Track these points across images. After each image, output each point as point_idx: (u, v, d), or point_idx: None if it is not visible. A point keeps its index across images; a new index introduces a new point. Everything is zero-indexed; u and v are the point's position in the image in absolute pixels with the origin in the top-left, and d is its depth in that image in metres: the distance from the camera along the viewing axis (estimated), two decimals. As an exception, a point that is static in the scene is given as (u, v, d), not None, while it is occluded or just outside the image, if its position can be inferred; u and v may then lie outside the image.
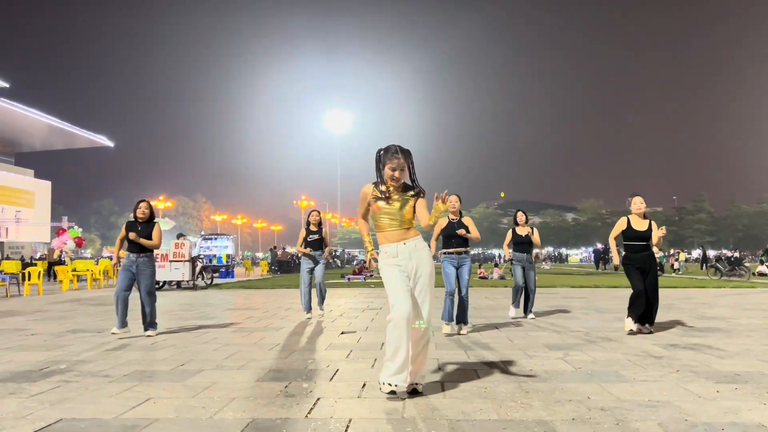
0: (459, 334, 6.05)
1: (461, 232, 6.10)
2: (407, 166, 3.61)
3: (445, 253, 6.26)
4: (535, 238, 7.61)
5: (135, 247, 6.21)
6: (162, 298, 11.79)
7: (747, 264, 21.17)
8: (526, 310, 7.65)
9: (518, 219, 7.80)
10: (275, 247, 37.55)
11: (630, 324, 6.03)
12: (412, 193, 3.67)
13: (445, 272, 6.19)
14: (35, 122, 42.46)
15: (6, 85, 39.47)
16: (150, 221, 6.37)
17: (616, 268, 6.43)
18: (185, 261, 14.87)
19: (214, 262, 21.53)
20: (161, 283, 14.97)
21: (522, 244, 7.62)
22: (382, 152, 3.63)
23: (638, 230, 6.10)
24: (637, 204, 6.23)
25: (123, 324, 6.16)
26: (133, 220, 6.32)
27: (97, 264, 21.11)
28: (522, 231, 7.69)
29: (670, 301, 10.03)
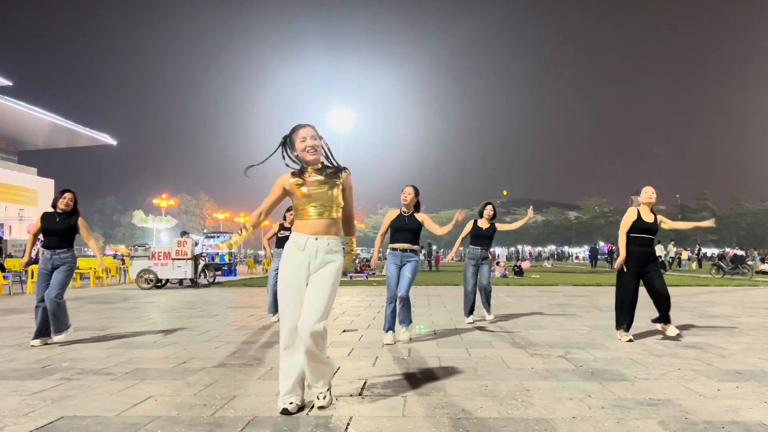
0: (398, 341, 5.43)
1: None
2: (320, 140, 3.18)
3: (390, 249, 5.57)
4: (503, 227, 7.11)
5: (52, 242, 5.48)
6: (164, 296, 11.81)
7: (750, 262, 21.12)
8: (488, 309, 6.98)
9: (485, 212, 7.02)
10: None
11: (624, 336, 5.50)
12: (333, 172, 3.21)
13: (387, 274, 5.55)
14: (38, 120, 42.56)
15: (9, 83, 39.54)
16: (72, 214, 5.64)
17: (622, 265, 5.60)
18: (188, 259, 14.90)
19: (217, 260, 21.54)
20: (163, 281, 15.02)
21: (480, 238, 6.89)
22: (286, 135, 3.23)
23: (647, 222, 5.63)
24: (648, 193, 5.73)
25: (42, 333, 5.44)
26: (51, 211, 5.59)
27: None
28: (484, 225, 6.96)
29: (672, 299, 9.99)
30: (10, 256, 25.39)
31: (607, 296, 10.87)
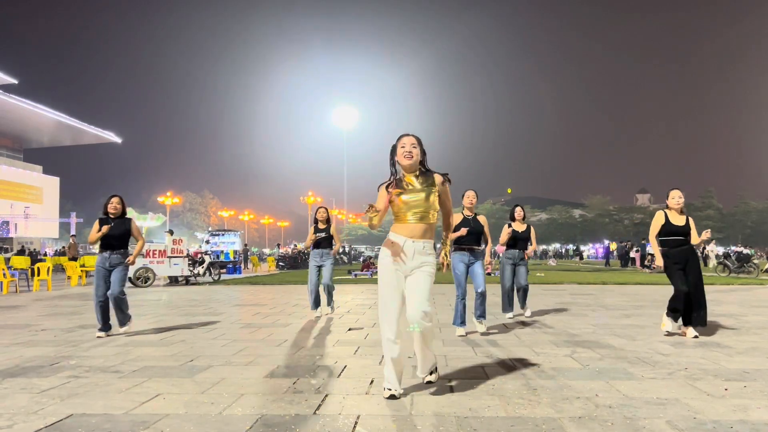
0: (477, 332, 5.94)
1: (462, 232, 5.69)
2: (420, 148, 3.52)
3: (457, 248, 5.91)
4: (533, 237, 7.39)
5: (109, 244, 5.96)
6: (168, 294, 11.85)
7: (756, 260, 21.00)
8: (524, 305, 7.41)
9: (516, 214, 7.39)
10: (246, 244, 38.78)
11: (668, 324, 5.71)
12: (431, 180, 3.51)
13: (454, 272, 5.87)
14: (43, 118, 42.73)
15: (14, 81, 39.69)
16: (122, 217, 6.15)
17: (665, 267, 5.78)
18: (183, 257, 15.00)
19: (222, 258, 21.60)
20: (160, 278, 15.13)
21: (521, 241, 7.27)
22: (394, 144, 3.55)
23: (677, 225, 5.75)
24: (676, 198, 5.82)
25: (108, 326, 5.93)
26: (104, 217, 6.06)
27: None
28: (520, 227, 7.31)
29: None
30: (17, 253, 25.47)
31: (612, 295, 10.85)
